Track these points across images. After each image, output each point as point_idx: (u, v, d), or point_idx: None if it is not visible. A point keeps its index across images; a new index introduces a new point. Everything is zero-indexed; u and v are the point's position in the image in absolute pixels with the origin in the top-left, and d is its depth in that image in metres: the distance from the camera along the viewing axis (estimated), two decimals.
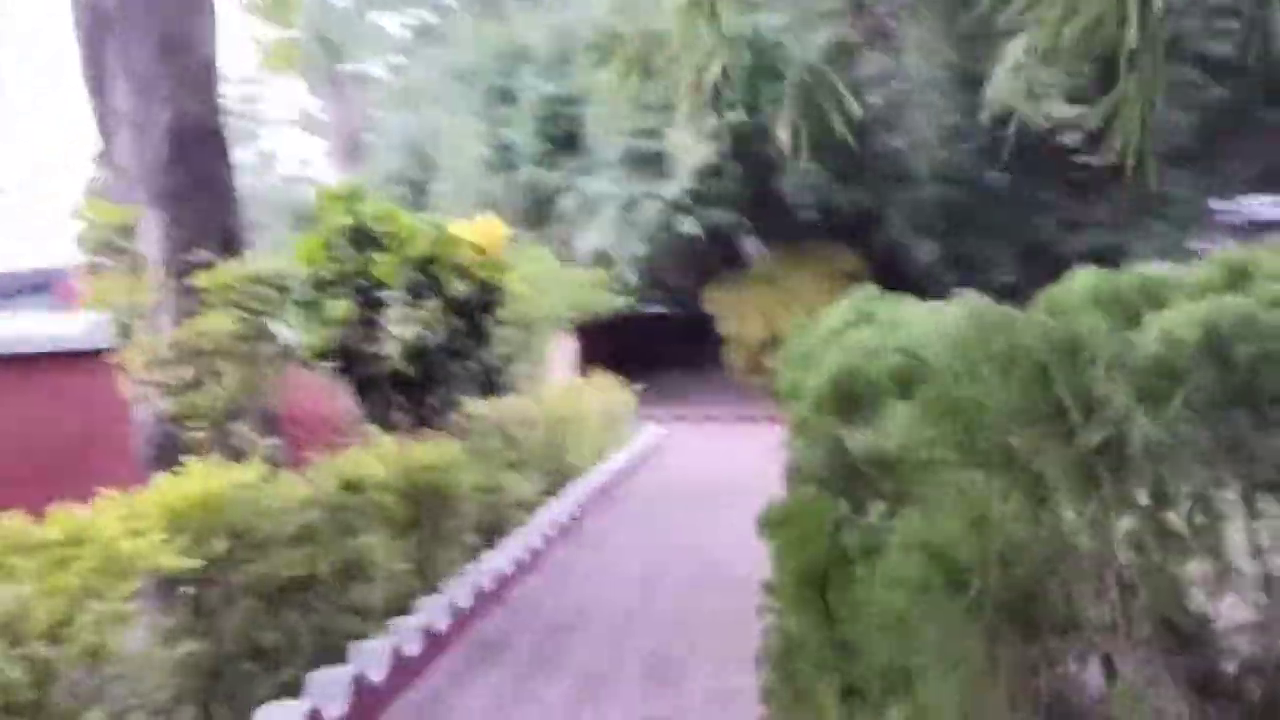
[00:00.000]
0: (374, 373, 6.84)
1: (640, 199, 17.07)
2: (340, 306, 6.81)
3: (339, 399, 6.98)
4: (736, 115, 16.44)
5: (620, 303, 13.08)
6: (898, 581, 2.01)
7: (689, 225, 16.70)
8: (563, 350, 14.17)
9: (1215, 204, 22.91)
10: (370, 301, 6.99)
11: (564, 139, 18.89)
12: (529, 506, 7.99)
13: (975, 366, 2.08)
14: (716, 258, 18.16)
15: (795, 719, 2.81)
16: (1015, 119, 15.56)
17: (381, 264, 6.84)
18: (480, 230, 7.34)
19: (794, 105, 16.57)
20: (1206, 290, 8.90)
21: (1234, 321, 4.73)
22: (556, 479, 9.10)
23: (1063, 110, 13.66)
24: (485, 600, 6.20)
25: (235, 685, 4.12)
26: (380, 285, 6.99)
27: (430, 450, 5.96)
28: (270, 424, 5.14)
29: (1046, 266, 17.32)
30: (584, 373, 14.99)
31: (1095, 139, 13.99)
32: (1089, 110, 12.72)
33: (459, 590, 5.96)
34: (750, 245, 17.16)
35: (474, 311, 7.20)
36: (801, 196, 16.74)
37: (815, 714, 2.70)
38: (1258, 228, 27.11)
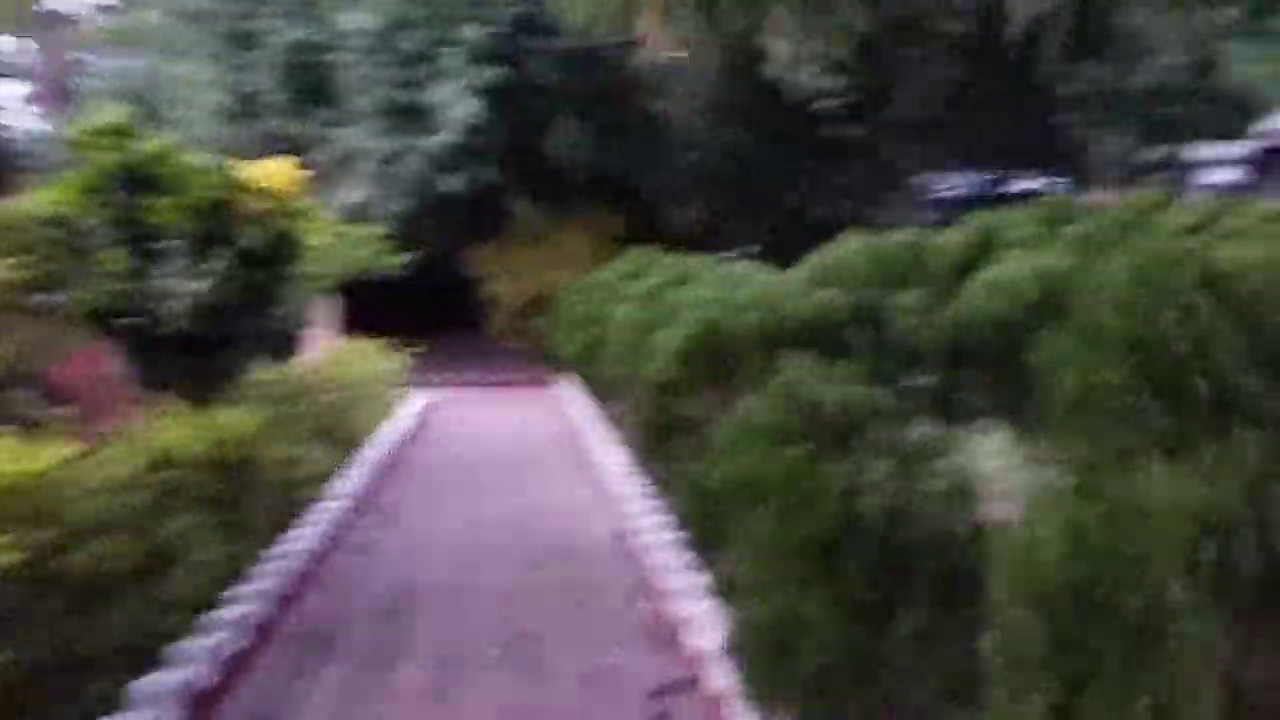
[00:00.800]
0: (153, 333, 6.01)
1: (401, 154, 16.23)
2: (113, 258, 5.92)
3: (109, 362, 6.09)
4: (501, 70, 15.94)
5: (401, 262, 12.34)
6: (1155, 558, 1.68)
7: (452, 182, 16.05)
8: (325, 312, 13.27)
9: (931, 179, 24.58)
10: (147, 253, 6.13)
11: (314, 88, 17.68)
12: (325, 480, 7.34)
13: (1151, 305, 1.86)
14: (481, 217, 17.58)
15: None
16: (777, 89, 15.88)
17: (160, 210, 6.00)
18: (273, 173, 6.59)
19: (558, 64, 16.19)
20: (963, 255, 9.04)
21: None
22: (346, 450, 8.44)
23: (824, 81, 14.13)
24: (304, 584, 5.60)
25: (43, 702, 3.42)
26: (158, 234, 6.14)
27: (240, 420, 5.28)
28: (55, 392, 4.36)
29: (794, 233, 17.83)
30: (345, 336, 14.11)
31: (852, 111, 14.46)
32: (848, 81, 13.11)
33: (276, 575, 5.34)
34: (516, 205, 16.70)
35: (269, 265, 6.47)
36: (567, 157, 16.45)
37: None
38: (963, 203, 29.31)
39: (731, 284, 6.47)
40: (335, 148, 17.12)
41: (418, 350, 13.21)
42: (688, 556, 5.74)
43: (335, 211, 15.63)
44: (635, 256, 13.63)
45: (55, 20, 31.37)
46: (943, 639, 2.29)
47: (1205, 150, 21.16)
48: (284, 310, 6.68)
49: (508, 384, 17.14)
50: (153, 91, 21.85)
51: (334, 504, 7.08)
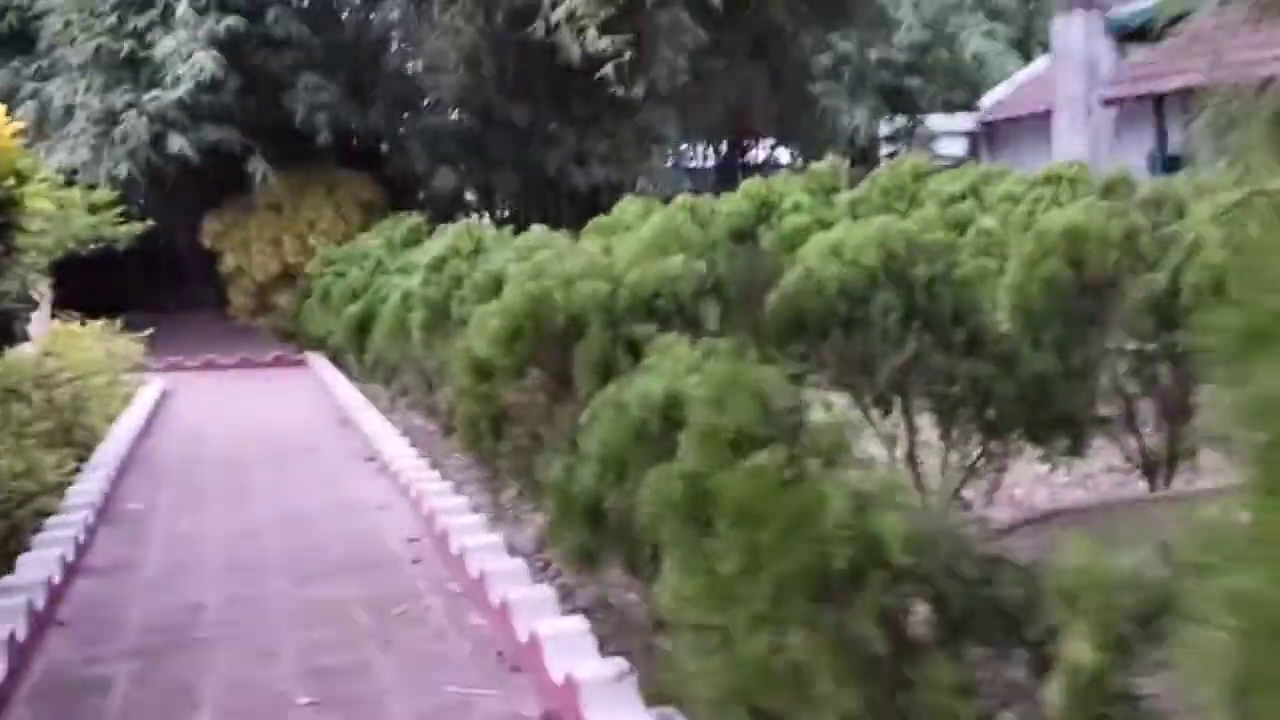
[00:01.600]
0: None
1: (120, 111, 14.46)
2: None
3: None
4: (237, 20, 14.49)
5: (132, 232, 10.85)
6: None
7: (182, 144, 14.47)
8: (40, 290, 11.57)
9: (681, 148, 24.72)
10: None
11: (13, 35, 15.50)
12: (59, 490, 6.19)
13: None
14: (216, 183, 16.01)
15: None
16: (541, 49, 15.28)
17: None
18: None
19: (299, 15, 14.91)
20: (740, 213, 8.99)
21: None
22: (80, 449, 7.21)
23: (597, 43, 13.64)
24: (40, 625, 4.58)
25: None
26: None
27: None
28: None
29: (552, 198, 17.36)
30: (57, 319, 12.42)
31: (616, 75, 13.99)
32: (618, 41, 12.67)
33: (6, 615, 4.32)
34: (256, 169, 15.28)
35: None
36: (312, 117, 15.20)
37: None
38: (710, 172, 29.85)
39: (536, 253, 5.86)
40: (42, 103, 15.09)
41: (148, 333, 11.74)
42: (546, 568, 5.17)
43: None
44: (397, 223, 12.75)
45: None
46: (989, 691, 1.83)
47: (934, 122, 22.30)
48: (4, 290, 5.49)
49: (254, 366, 15.75)
50: None
51: (74, 517, 5.97)
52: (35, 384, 6.32)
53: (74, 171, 14.31)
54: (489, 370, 4.67)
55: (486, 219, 20.30)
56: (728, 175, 30.32)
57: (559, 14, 13.08)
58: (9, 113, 13.84)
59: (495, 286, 5.66)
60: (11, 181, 5.34)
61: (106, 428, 8.64)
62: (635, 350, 4.27)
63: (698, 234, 4.81)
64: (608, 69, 13.46)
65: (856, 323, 4.91)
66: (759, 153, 29.12)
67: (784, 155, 27.67)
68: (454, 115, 17.57)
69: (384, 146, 17.16)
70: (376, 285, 9.85)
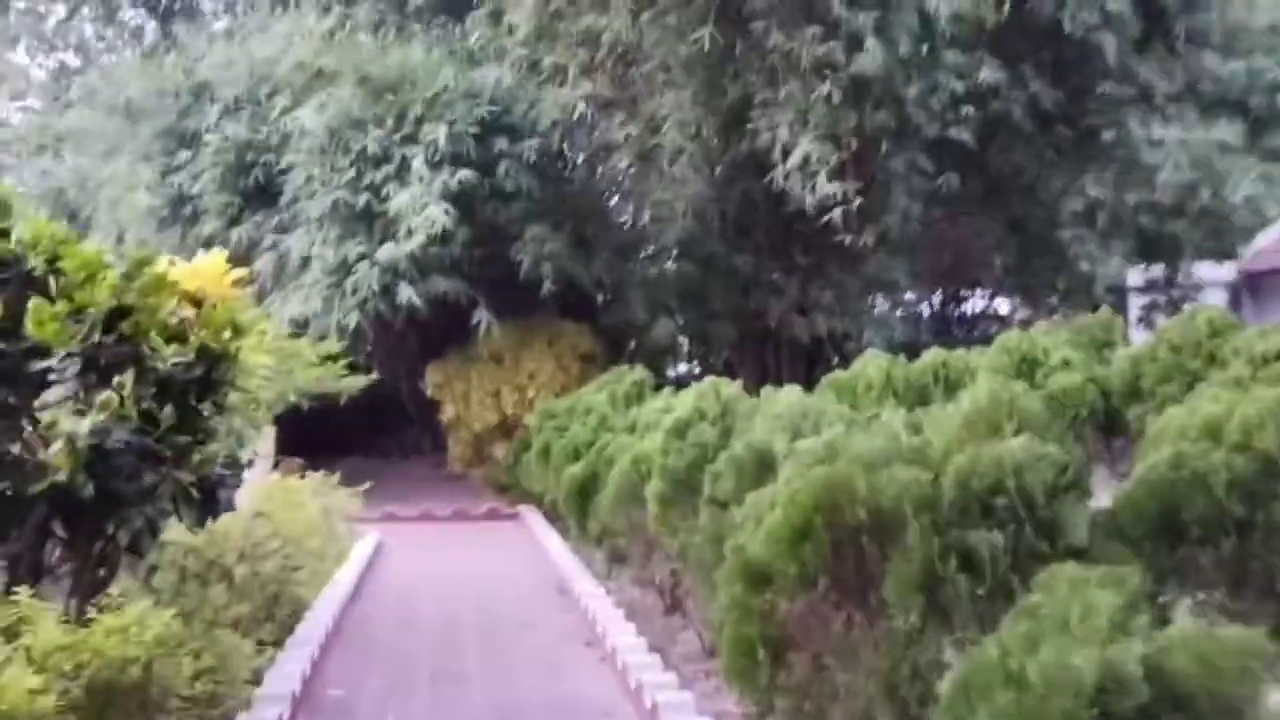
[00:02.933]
0: (19, 491, 4.28)
1: (354, 262, 14.66)
2: None
3: None
4: (469, 174, 14.57)
5: (358, 384, 10.64)
6: None
7: (410, 295, 14.48)
8: (263, 442, 11.47)
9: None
10: (18, 377, 4.43)
11: (257, 190, 16.16)
12: (254, 682, 5.53)
13: None
14: (440, 333, 16.00)
15: None
16: (768, 195, 14.60)
17: (42, 317, 4.33)
18: (204, 273, 4.96)
19: (528, 169, 14.89)
20: (1000, 371, 7.70)
21: None
22: (285, 623, 6.60)
23: (826, 188, 12.90)
24: None
25: None
26: (38, 351, 4.46)
27: (122, 627, 3.55)
28: None
29: (770, 349, 16.44)
30: (281, 469, 12.30)
31: (845, 219, 13.10)
32: (849, 187, 11.79)
33: None
34: (480, 320, 15.15)
35: (189, 392, 4.79)
36: (537, 268, 15.00)
37: None
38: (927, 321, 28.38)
39: (812, 422, 4.90)
40: (280, 255, 15.53)
41: (365, 488, 11.38)
42: None
43: (278, 325, 14.02)
44: (620, 377, 12.12)
45: None
46: None
47: (1194, 271, 20.30)
48: (210, 453, 4.96)
49: (469, 519, 15.33)
50: (80, 195, 20.25)
51: (268, 713, 5.26)
52: (240, 556, 5.79)
53: (305, 322, 14.52)
54: (766, 577, 3.68)
55: (695, 369, 19.69)
56: (942, 325, 28.83)
57: (792, 162, 12.44)
58: (249, 263, 14.20)
59: (760, 463, 4.72)
60: (228, 335, 4.85)
61: (314, 596, 8.07)
62: (970, 564, 3.21)
63: (1037, 407, 3.72)
64: (835, 215, 12.65)
65: (1254, 528, 3.69)
66: (976, 302, 27.56)
67: (1003, 306, 25.98)
68: (674, 264, 17.12)
69: (602, 297, 16.83)
70: (601, 444, 9.11)
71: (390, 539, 12.73)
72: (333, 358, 9.74)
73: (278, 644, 6.17)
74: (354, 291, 14.57)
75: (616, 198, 16.74)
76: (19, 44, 32.34)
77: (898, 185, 15.43)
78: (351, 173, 14.75)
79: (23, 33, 31.20)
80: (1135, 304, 20.57)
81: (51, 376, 4.40)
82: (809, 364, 17.26)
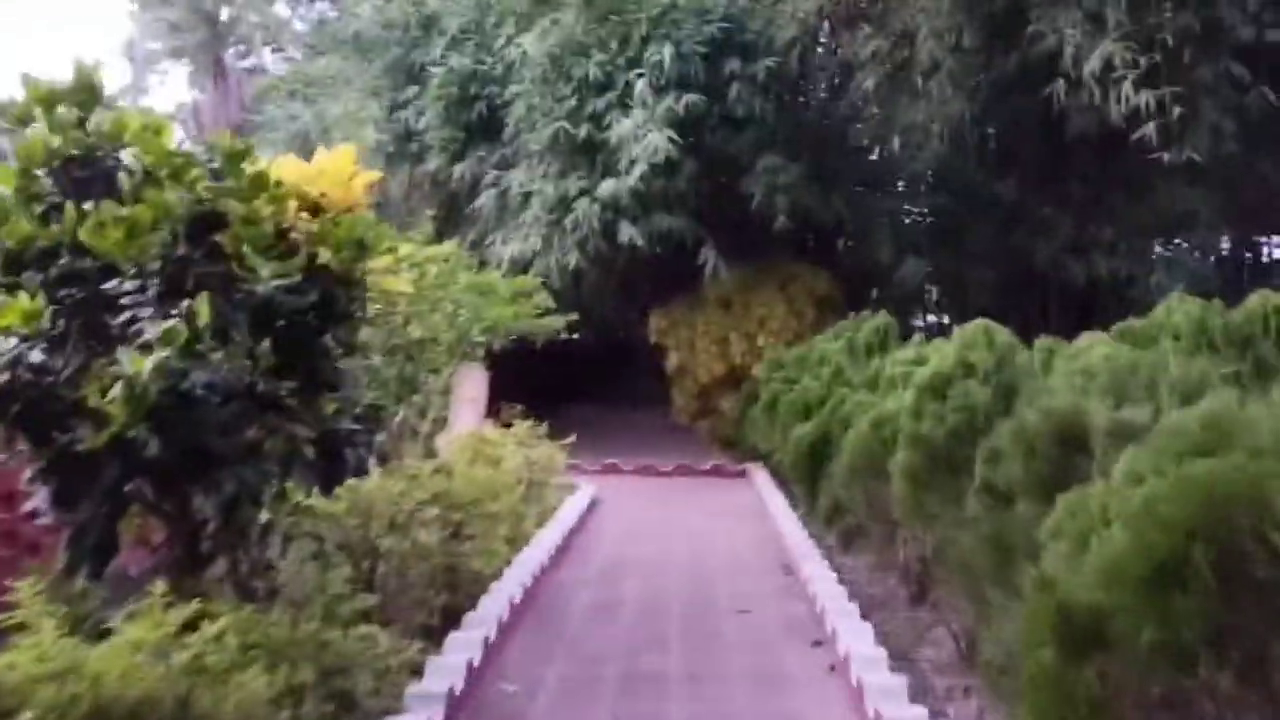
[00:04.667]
0: (80, 446, 3.35)
1: (574, 198, 13.71)
2: (17, 308, 3.32)
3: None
4: (697, 98, 13.27)
5: (560, 324, 9.66)
6: None
7: (634, 232, 13.39)
8: (471, 386, 10.71)
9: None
10: (86, 300, 3.51)
11: (481, 124, 15.47)
12: (398, 669, 4.52)
13: None
14: (664, 274, 14.87)
15: None
16: (1036, 117, 12.37)
17: (104, 220, 3.36)
18: (322, 174, 3.90)
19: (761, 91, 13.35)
20: None
21: None
22: (451, 603, 5.59)
23: (1136, 96, 10.76)
24: None
25: None
26: (109, 267, 3.52)
27: (148, 643, 2.51)
28: None
29: (1036, 296, 14.25)
30: (496, 415, 11.56)
31: (1163, 135, 10.81)
32: (1165, 94, 9.57)
33: None
34: (707, 260, 13.90)
35: (303, 325, 3.76)
36: (771, 202, 13.56)
37: None
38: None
39: (1145, 381, 3.34)
40: (502, 191, 14.79)
41: (575, 430, 10.41)
42: None
43: (500, 264, 13.30)
44: (859, 324, 10.57)
45: (241, 74, 31.04)
46: None
47: None
48: (337, 403, 3.94)
49: (692, 474, 14.24)
50: (321, 137, 20.36)
51: None
52: (390, 525, 4.80)
53: (528, 262, 13.73)
54: (1097, 636, 2.23)
55: (945, 319, 17.66)
56: (1234, 274, 25.09)
57: (1089, 68, 10.39)
58: (469, 203, 13.43)
59: (1065, 439, 3.22)
60: (349, 254, 3.77)
61: (507, 559, 7.09)
62: None
63: None
64: (1148, 130, 10.51)
65: None
66: (1274, 249, 23.72)
67: None
68: (926, 198, 15.26)
69: (843, 236, 15.21)
70: (835, 401, 7.69)
71: (608, 493, 11.79)
72: (526, 294, 8.71)
73: (441, 632, 5.16)
74: (574, 229, 13.63)
75: (860, 124, 14.97)
76: None
77: (1206, 100, 12.92)
78: (573, 101, 13.75)
79: None
80: None
81: (124, 301, 3.44)
82: (1082, 313, 15.03)
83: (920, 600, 6.76)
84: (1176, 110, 10.50)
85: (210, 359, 3.43)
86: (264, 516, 4.09)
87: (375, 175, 4.20)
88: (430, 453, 7.16)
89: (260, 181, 3.60)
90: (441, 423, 8.12)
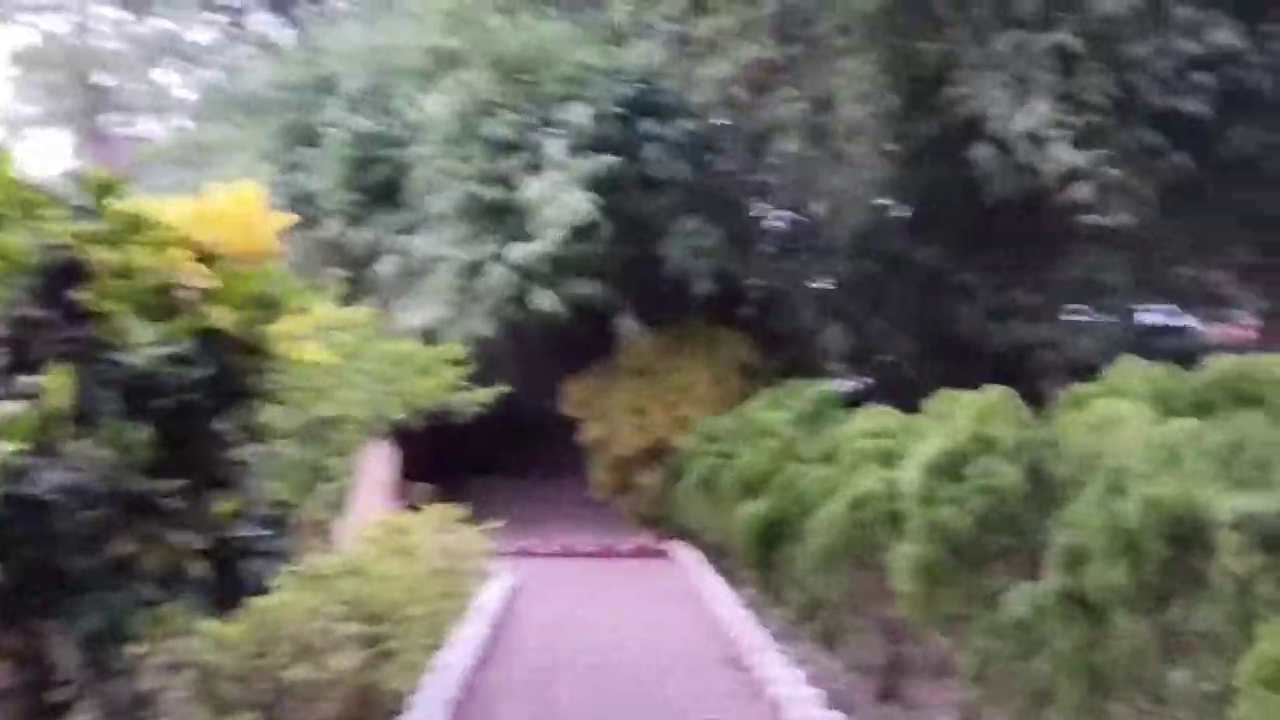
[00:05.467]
0: None
1: (484, 263, 12.95)
2: None
3: None
4: (613, 160, 12.71)
5: (486, 396, 8.82)
6: None
7: (547, 299, 12.67)
8: (377, 466, 9.79)
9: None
10: None
11: (382, 187, 14.64)
12: None
13: None
14: (579, 342, 14.15)
15: None
16: (958, 181, 12.08)
17: None
18: (220, 214, 3.10)
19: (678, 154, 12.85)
20: None
21: None
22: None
23: (1068, 156, 10.52)
24: None
25: None
26: None
27: None
28: None
29: (960, 363, 13.96)
30: (402, 496, 10.61)
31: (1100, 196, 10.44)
32: (1098, 155, 9.25)
33: None
34: (624, 327, 13.24)
35: (193, 406, 2.92)
36: (690, 267, 13.01)
37: None
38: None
39: (1259, 458, 2.73)
40: (405, 258, 13.96)
41: (497, 525, 9.55)
42: None
43: (405, 334, 12.39)
44: (795, 393, 10.01)
45: (111, 138, 29.62)
46: None
47: None
48: (236, 503, 3.09)
49: (615, 556, 13.45)
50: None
51: None
52: (303, 651, 3.92)
53: (432, 333, 12.86)
54: None
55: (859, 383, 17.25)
56: (1123, 339, 25.20)
57: (1019, 128, 10.12)
58: (372, 269, 12.49)
59: (1177, 534, 2.57)
60: (252, 315, 2.96)
61: (423, 660, 6.15)
62: None
63: None
64: (1081, 192, 10.26)
65: None
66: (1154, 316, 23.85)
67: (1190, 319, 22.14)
68: (849, 263, 14.89)
69: (764, 301, 14.72)
70: (787, 476, 7.04)
71: (527, 579, 10.88)
72: (453, 363, 7.90)
73: None
74: (485, 296, 12.85)
75: (782, 187, 14.61)
76: (161, 63, 32.28)
77: (1125, 165, 12.89)
78: (482, 162, 13.06)
79: (165, 51, 31.07)
80: None
81: None
82: (1004, 379, 14.78)
83: (887, 698, 6.06)
84: (1110, 172, 10.31)
85: (67, 452, 2.58)
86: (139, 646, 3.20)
87: (287, 219, 3.41)
88: (334, 546, 6.27)
89: (137, 223, 2.79)
90: (343, 508, 7.21)
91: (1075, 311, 17.45)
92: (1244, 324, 20.70)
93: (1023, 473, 3.74)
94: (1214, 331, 20.76)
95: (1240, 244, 16.07)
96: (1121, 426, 3.83)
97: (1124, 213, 12.13)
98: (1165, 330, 24.77)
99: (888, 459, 5.55)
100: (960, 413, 4.31)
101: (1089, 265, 14.29)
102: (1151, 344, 23.75)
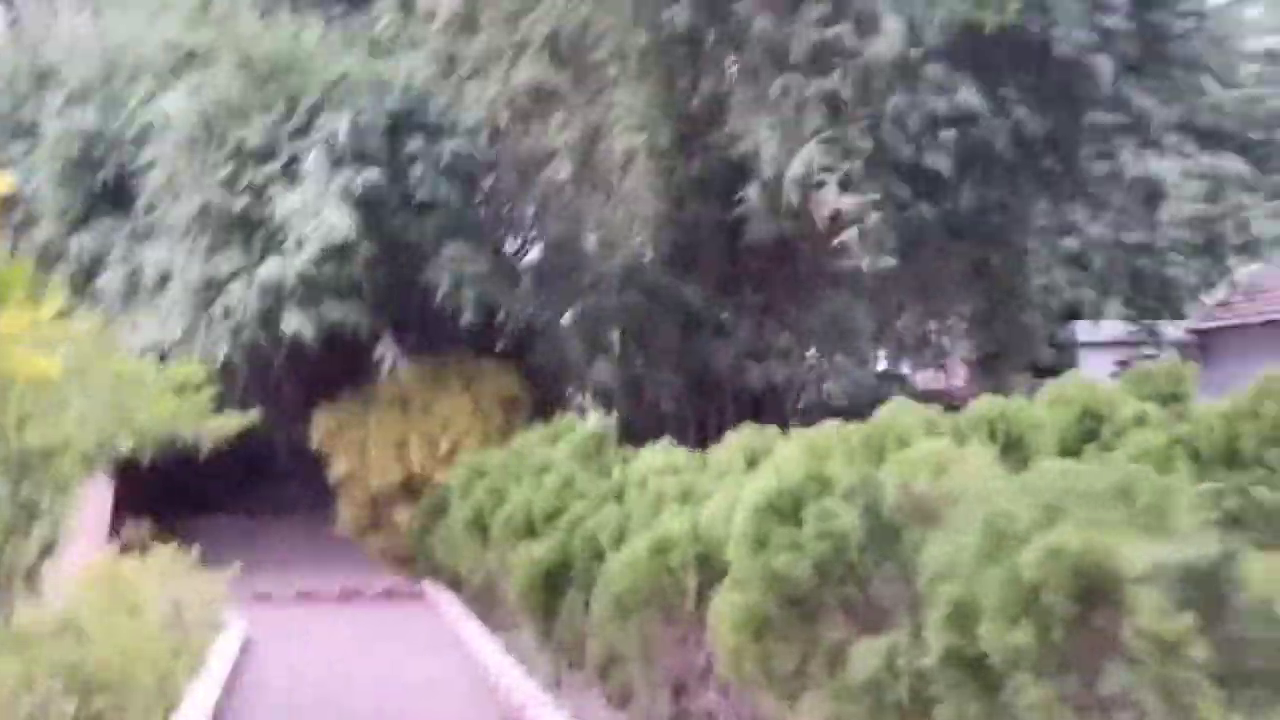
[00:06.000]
0: None
1: (226, 280, 11.82)
2: None
3: None
4: (376, 175, 11.95)
5: (236, 423, 7.84)
6: None
7: (297, 322, 11.69)
8: (93, 502, 8.57)
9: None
10: None
11: (107, 191, 13.21)
12: None
13: None
14: (331, 368, 13.16)
15: None
16: (717, 223, 12.10)
17: None
18: None
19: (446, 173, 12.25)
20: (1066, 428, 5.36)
21: None
22: None
23: (838, 201, 10.69)
24: None
25: None
26: None
27: None
28: None
29: (714, 400, 14.09)
30: (119, 536, 9.41)
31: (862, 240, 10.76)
32: (864, 201, 9.52)
33: None
34: (384, 355, 12.42)
35: None
36: (456, 294, 12.38)
37: None
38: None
39: (1154, 505, 2.51)
40: (133, 269, 12.59)
41: (231, 571, 8.56)
42: None
43: (132, 353, 11.08)
44: (565, 429, 9.62)
45: None
46: None
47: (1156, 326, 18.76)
48: None
49: (362, 600, 12.54)
50: None
51: None
52: None
53: (165, 352, 11.60)
54: None
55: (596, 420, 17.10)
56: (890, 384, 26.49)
57: (793, 172, 10.18)
58: (96, 279, 11.17)
59: (1088, 595, 2.31)
60: None
61: None
62: None
63: None
64: (850, 235, 10.42)
65: None
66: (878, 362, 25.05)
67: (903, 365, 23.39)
68: (618, 297, 14.66)
69: (532, 333, 14.24)
70: (572, 516, 6.59)
71: (265, 630, 9.84)
72: (193, 388, 6.96)
73: None
74: (225, 316, 11.73)
75: (550, 216, 14.22)
76: None
77: (874, 213, 13.35)
78: (227, 170, 11.96)
79: None
80: (1092, 362, 18.95)
81: None
82: (759, 418, 14.98)
83: None
84: (873, 217, 10.52)
85: None
86: None
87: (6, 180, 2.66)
88: (44, 598, 5.27)
89: None
90: (55, 552, 6.15)
91: (824, 354, 18.02)
92: (951, 372, 22.13)
93: (864, 516, 3.44)
94: (925, 378, 22.10)
95: (964, 295, 17.10)
96: (961, 466, 3.62)
97: (875, 259, 12.51)
98: (891, 376, 26.12)
99: (689, 498, 5.21)
100: (788, 449, 4.01)
101: (836, 310, 14.75)
102: (886, 389, 24.96)
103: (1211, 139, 14.38)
